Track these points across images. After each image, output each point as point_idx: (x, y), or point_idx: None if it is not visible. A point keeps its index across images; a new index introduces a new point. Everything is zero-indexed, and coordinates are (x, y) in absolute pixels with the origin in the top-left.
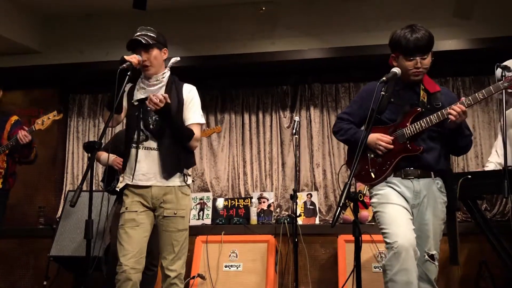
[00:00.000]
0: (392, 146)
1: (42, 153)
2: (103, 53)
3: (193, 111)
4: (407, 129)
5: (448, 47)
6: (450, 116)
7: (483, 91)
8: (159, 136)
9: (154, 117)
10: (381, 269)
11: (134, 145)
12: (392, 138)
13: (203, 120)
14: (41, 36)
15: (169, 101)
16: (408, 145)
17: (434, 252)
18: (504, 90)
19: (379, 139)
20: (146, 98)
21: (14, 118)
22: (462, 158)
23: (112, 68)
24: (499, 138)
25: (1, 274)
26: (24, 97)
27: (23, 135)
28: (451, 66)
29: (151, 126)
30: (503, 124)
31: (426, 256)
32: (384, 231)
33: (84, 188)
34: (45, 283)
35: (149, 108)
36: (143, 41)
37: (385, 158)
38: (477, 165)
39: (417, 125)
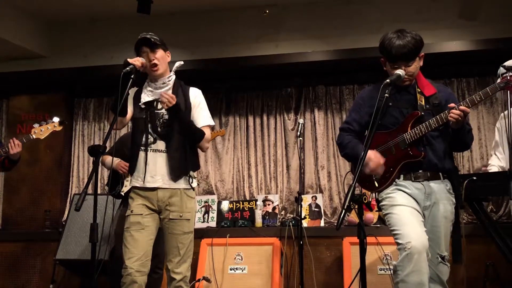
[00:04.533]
0: (379, 171)
1: (48, 157)
2: (108, 57)
3: (202, 114)
4: (408, 135)
5: (453, 48)
6: (451, 119)
7: (480, 92)
8: (167, 138)
9: (162, 120)
10: (392, 270)
11: (142, 147)
12: (384, 160)
13: (212, 122)
14: (46, 41)
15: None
16: (410, 151)
17: (445, 253)
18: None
19: (370, 158)
20: (153, 101)
21: None
22: (467, 160)
23: (117, 72)
24: (497, 142)
25: (8, 277)
26: (30, 102)
27: (15, 146)
28: (456, 67)
29: (159, 129)
30: (508, 125)
31: (439, 258)
32: (395, 232)
33: (90, 191)
34: (51, 286)
35: (159, 109)
36: (152, 40)
37: (387, 165)
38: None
39: (417, 129)
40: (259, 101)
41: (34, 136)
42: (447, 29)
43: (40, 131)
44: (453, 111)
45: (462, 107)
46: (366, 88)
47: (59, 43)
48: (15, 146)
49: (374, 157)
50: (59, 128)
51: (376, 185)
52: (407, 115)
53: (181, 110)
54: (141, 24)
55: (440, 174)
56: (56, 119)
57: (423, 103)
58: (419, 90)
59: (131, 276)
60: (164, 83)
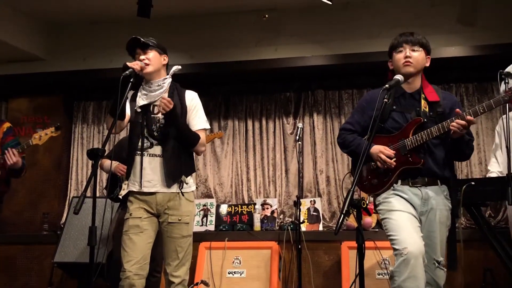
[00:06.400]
0: (393, 163)
1: (47, 159)
2: (107, 61)
3: (198, 117)
4: (409, 141)
5: (451, 53)
6: (453, 128)
7: (484, 104)
8: (163, 143)
9: (158, 124)
10: (388, 276)
11: (138, 152)
12: (395, 152)
13: (208, 125)
14: (46, 43)
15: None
16: (410, 158)
17: (441, 259)
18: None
19: (382, 151)
20: (149, 105)
21: (7, 125)
22: (466, 165)
23: (116, 75)
24: (497, 145)
25: (5, 280)
26: (29, 104)
27: (10, 156)
28: (455, 73)
29: (155, 133)
30: (506, 130)
31: (436, 264)
32: (392, 237)
33: (88, 194)
34: None
35: (155, 114)
36: (142, 40)
37: (386, 169)
38: (480, 171)
39: (419, 136)
40: (258, 105)
41: (33, 142)
42: (445, 35)
43: (39, 138)
44: (456, 120)
45: (468, 117)
46: (371, 91)
47: (58, 46)
48: (10, 157)
49: (384, 149)
50: (56, 134)
51: (374, 187)
52: (410, 120)
53: (178, 115)
54: (141, 27)
55: (438, 180)
56: (53, 126)
57: (427, 110)
58: (423, 96)
59: (130, 280)
60: (159, 86)
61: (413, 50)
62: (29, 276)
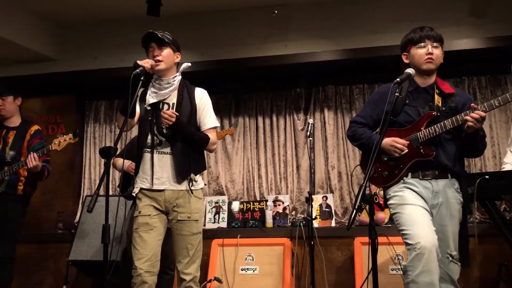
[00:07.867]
0: (407, 149)
1: (60, 159)
2: (118, 59)
3: (208, 116)
4: (421, 133)
5: (463, 46)
6: (468, 123)
7: (500, 98)
8: (173, 140)
9: None
10: (402, 270)
11: (148, 149)
12: (407, 142)
13: (218, 123)
14: (57, 44)
15: (177, 114)
16: (421, 150)
17: (454, 252)
18: None
19: (395, 140)
20: (158, 103)
21: (35, 128)
22: (479, 158)
23: (127, 74)
24: None
25: (21, 279)
26: (42, 104)
27: (30, 159)
28: (467, 66)
29: (164, 131)
30: None
31: (450, 257)
32: (404, 232)
33: (102, 193)
34: (64, 287)
35: (162, 126)
36: (159, 35)
37: (397, 161)
38: (494, 165)
39: (432, 129)
40: (269, 101)
41: (52, 148)
42: (456, 27)
43: (59, 143)
44: (471, 114)
45: (479, 112)
46: (384, 85)
47: (70, 46)
48: (30, 160)
49: (396, 139)
50: (74, 141)
51: (384, 179)
52: (423, 114)
53: (183, 126)
54: (151, 25)
55: (449, 174)
56: (71, 133)
57: (440, 104)
58: (437, 92)
59: (141, 277)
60: (168, 83)
61: (435, 47)
62: (44, 274)
